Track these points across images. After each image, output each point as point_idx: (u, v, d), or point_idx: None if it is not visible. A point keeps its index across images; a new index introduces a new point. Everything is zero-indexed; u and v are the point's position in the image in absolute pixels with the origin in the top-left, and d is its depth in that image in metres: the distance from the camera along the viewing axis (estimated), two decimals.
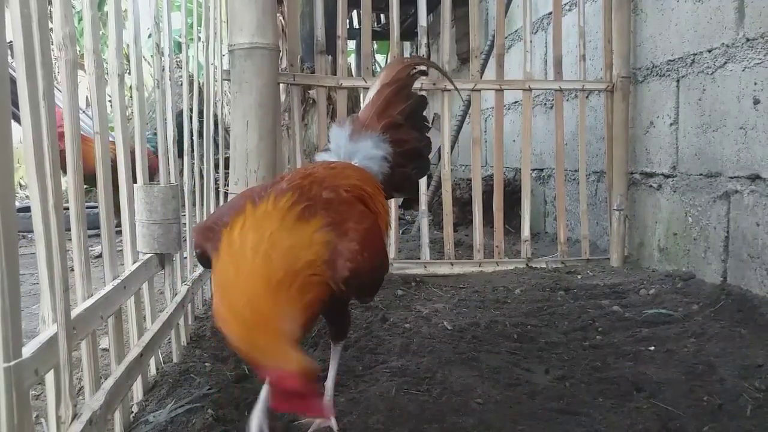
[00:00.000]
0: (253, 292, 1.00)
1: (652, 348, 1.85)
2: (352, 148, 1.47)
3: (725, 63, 2.45)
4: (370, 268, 1.14)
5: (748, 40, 2.32)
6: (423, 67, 1.72)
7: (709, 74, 2.55)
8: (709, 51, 2.54)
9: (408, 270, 3.04)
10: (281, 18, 3.88)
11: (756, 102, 2.28)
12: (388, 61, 1.64)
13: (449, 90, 3.18)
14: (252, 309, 0.99)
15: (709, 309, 2.17)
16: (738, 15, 2.37)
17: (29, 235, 4.22)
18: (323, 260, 1.07)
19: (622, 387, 1.56)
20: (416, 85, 3.19)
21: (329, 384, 1.39)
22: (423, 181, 3.25)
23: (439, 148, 3.33)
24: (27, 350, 0.94)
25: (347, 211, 1.18)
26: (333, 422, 1.34)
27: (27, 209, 1.17)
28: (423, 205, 3.23)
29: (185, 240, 2.26)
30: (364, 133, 1.48)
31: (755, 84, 2.28)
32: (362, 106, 1.59)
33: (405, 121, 1.55)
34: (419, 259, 3.13)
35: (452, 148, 3.86)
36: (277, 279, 1.01)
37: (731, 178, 2.43)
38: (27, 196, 1.10)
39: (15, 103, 1.02)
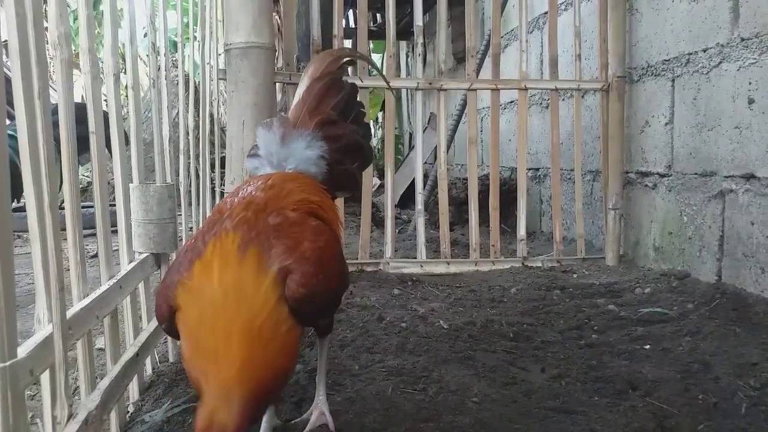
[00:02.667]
0: (227, 332, 0.93)
1: (648, 347, 1.86)
2: (285, 153, 1.37)
3: (720, 63, 2.46)
4: (328, 290, 1.09)
5: (742, 39, 2.33)
6: (350, 59, 1.61)
7: (704, 74, 2.56)
8: (704, 51, 2.55)
9: (404, 269, 3.04)
10: (277, 17, 3.88)
11: (751, 101, 2.29)
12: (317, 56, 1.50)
13: (445, 90, 3.19)
14: (225, 347, 0.93)
15: (704, 308, 2.18)
16: (733, 15, 2.38)
17: (24, 235, 4.21)
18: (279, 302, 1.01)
19: (618, 386, 1.56)
20: (412, 84, 3.21)
21: (320, 379, 1.39)
22: (419, 181, 3.25)
23: (435, 148, 3.33)
24: (22, 350, 0.94)
25: (300, 232, 1.10)
26: (329, 420, 1.34)
27: (22, 209, 1.16)
28: (419, 205, 3.23)
29: (181, 240, 2.26)
30: (295, 133, 1.38)
31: (750, 84, 2.29)
32: (291, 105, 1.48)
33: (340, 116, 1.46)
34: (415, 258, 3.13)
35: (448, 147, 3.87)
36: (257, 327, 0.95)
37: (726, 177, 2.44)
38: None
39: (10, 103, 1.02)
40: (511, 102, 4.47)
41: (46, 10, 1.18)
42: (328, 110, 1.44)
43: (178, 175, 2.28)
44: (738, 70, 2.35)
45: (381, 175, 6.59)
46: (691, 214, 2.67)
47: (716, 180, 2.50)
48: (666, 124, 2.84)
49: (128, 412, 1.52)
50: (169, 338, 1.88)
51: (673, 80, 2.78)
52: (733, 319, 2.06)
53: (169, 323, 1.04)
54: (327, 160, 1.40)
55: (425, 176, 3.62)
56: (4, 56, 1.01)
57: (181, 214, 2.26)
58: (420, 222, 3.20)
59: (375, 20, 7.59)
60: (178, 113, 2.53)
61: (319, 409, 1.36)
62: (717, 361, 1.69)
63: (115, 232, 1.48)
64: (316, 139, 1.39)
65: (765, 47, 2.21)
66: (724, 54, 2.43)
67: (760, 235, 2.25)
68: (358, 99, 1.55)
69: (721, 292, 2.29)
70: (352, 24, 7.12)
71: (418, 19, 3.24)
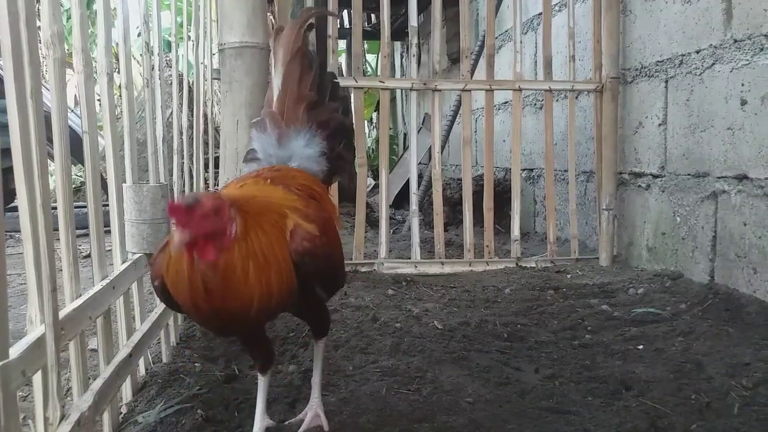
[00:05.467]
0: None
1: (641, 347, 1.86)
2: (285, 153, 1.36)
3: (713, 64, 2.47)
4: (329, 254, 1.15)
5: (735, 41, 2.34)
6: (309, 21, 1.51)
7: (697, 75, 2.57)
8: (697, 52, 2.56)
9: (399, 269, 3.04)
10: (271, 17, 3.87)
11: (743, 103, 2.30)
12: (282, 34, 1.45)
13: (439, 90, 3.19)
14: None
15: (697, 308, 2.19)
16: (726, 16, 2.39)
17: (17, 235, 4.18)
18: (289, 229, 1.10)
19: (611, 386, 1.57)
20: (407, 85, 3.21)
21: (316, 381, 1.39)
22: (414, 181, 3.25)
23: (430, 148, 3.33)
24: (14, 351, 0.94)
25: (306, 203, 1.19)
26: (324, 421, 1.34)
27: (14, 209, 1.16)
28: (414, 205, 3.23)
29: None
30: (292, 132, 1.38)
31: (742, 85, 2.30)
32: (273, 97, 1.43)
33: (319, 94, 1.44)
34: (410, 258, 3.13)
35: (443, 148, 3.87)
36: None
37: (719, 178, 2.45)
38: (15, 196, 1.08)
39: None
40: (506, 103, 4.47)
41: (38, 9, 1.17)
42: (308, 92, 1.42)
43: (171, 175, 2.27)
44: (731, 71, 2.36)
45: (375, 176, 6.59)
46: (684, 214, 2.68)
47: (709, 181, 2.51)
48: (659, 125, 2.85)
49: (121, 413, 1.51)
50: (162, 339, 1.87)
51: (667, 81, 2.79)
52: (726, 319, 2.07)
53: (161, 282, 1.08)
54: (327, 155, 1.41)
55: (420, 176, 3.62)
56: None
57: None
58: (414, 222, 3.20)
59: (369, 20, 7.59)
60: (171, 113, 2.52)
61: (313, 411, 1.36)
62: (710, 361, 1.70)
63: (108, 232, 1.48)
64: (313, 135, 1.39)
65: (758, 48, 2.22)
66: (717, 55, 2.44)
67: (753, 235, 2.26)
68: (328, 69, 1.54)
69: (713, 293, 2.29)
70: (347, 24, 7.12)
71: (413, 19, 3.24)
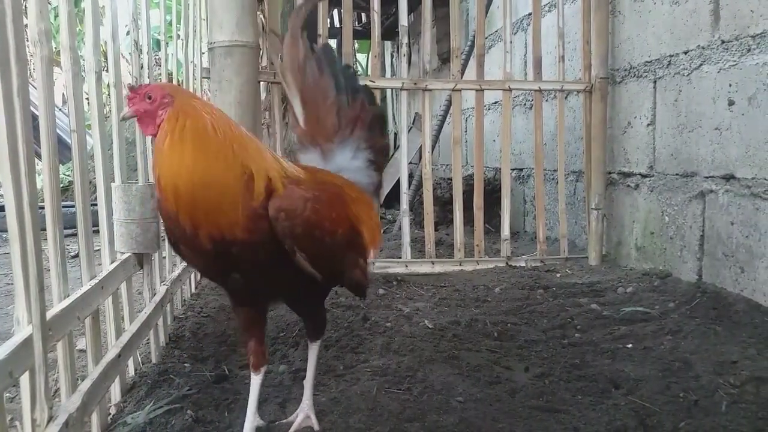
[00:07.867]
0: None
1: (630, 345, 1.87)
2: (332, 168, 1.34)
3: (701, 65, 2.49)
4: (315, 223, 1.10)
5: (723, 42, 2.36)
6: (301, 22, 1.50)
7: (685, 75, 2.59)
8: (685, 53, 2.58)
9: (389, 269, 3.04)
10: (262, 16, 3.86)
11: (731, 103, 2.32)
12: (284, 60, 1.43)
13: (430, 90, 3.19)
14: None
15: (685, 307, 2.21)
16: (713, 17, 2.41)
17: (4, 235, 4.14)
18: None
19: (601, 384, 1.58)
20: (397, 84, 3.20)
21: (309, 383, 1.38)
22: (404, 181, 3.25)
23: (420, 148, 3.33)
24: (1, 352, 0.93)
25: (320, 185, 1.19)
26: (314, 422, 1.34)
27: (1, 208, 1.15)
28: (404, 205, 3.23)
29: (164, 240, 2.24)
30: (335, 146, 1.36)
31: (730, 85, 2.32)
32: (299, 118, 1.41)
33: (338, 91, 1.41)
34: (400, 258, 3.13)
35: (433, 147, 3.87)
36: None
37: (706, 177, 2.47)
38: (1, 195, 1.07)
39: None
40: (496, 103, 4.49)
41: (25, 6, 1.16)
42: (332, 102, 1.40)
43: None
44: (718, 72, 2.38)
45: None
46: (672, 214, 2.70)
47: (697, 180, 2.53)
48: (648, 125, 2.87)
49: (110, 414, 1.50)
50: (152, 340, 1.86)
51: (655, 82, 2.81)
52: (714, 317, 2.08)
53: None
54: (375, 163, 1.40)
55: (410, 176, 3.62)
56: None
57: None
58: (405, 222, 3.20)
59: (360, 20, 7.58)
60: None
61: (304, 413, 1.36)
62: (698, 359, 1.71)
63: (96, 231, 1.47)
64: (360, 146, 1.38)
65: (745, 49, 2.24)
66: (705, 56, 2.46)
67: (740, 234, 2.29)
68: (332, 53, 1.48)
69: (701, 291, 2.31)
70: (337, 23, 7.10)
71: (403, 19, 3.24)
